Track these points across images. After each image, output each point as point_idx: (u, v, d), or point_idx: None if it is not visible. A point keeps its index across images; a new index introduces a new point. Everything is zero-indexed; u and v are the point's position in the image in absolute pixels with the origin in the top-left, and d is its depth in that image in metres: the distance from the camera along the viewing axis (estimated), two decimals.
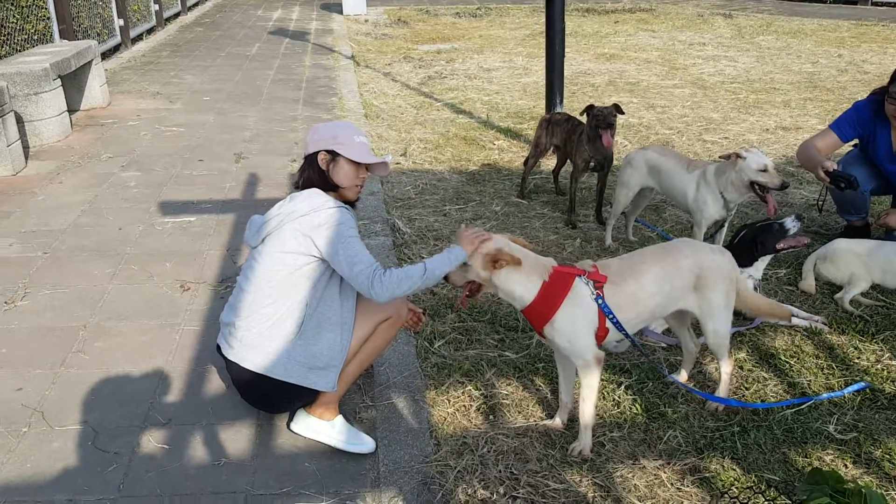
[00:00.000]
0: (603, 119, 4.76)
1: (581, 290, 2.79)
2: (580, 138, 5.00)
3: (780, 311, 3.31)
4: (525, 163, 5.67)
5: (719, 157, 4.25)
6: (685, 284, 2.95)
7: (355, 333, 2.92)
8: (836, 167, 4.30)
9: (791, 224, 3.75)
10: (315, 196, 2.85)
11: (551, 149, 5.48)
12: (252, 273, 2.84)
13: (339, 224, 2.79)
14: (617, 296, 2.82)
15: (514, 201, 5.59)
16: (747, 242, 3.80)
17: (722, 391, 3.20)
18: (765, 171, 3.99)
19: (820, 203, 5.07)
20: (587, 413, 2.90)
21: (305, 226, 2.78)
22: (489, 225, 5.12)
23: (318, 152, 2.91)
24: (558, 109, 6.51)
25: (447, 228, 5.06)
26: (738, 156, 4.05)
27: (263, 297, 2.79)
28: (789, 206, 5.44)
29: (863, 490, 1.51)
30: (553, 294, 2.77)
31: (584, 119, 5.01)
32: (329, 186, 2.92)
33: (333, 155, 2.90)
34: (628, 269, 2.90)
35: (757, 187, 4.02)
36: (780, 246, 3.77)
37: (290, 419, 3.01)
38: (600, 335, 2.84)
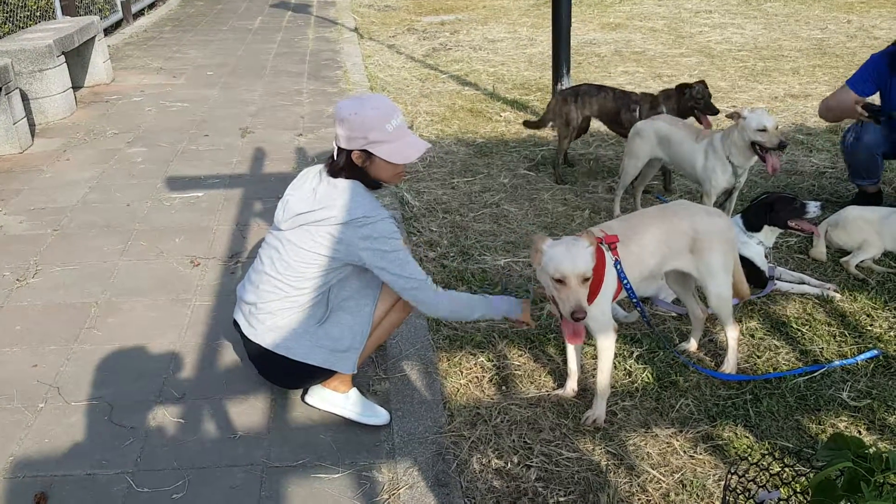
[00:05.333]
0: (702, 100, 4.81)
1: (608, 259, 2.80)
2: (647, 111, 4.94)
3: (742, 289, 3.24)
4: (560, 144, 5.43)
5: (726, 115, 4.22)
6: (681, 245, 2.97)
7: (381, 302, 2.90)
8: (867, 102, 4.29)
9: (813, 208, 3.74)
10: (354, 201, 2.68)
11: (582, 122, 5.36)
12: (279, 260, 2.75)
13: (385, 238, 2.68)
14: (627, 256, 2.84)
15: (521, 173, 5.56)
16: (762, 206, 3.78)
17: (730, 358, 3.20)
18: (763, 130, 3.94)
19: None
20: (603, 382, 2.91)
21: (347, 236, 2.67)
22: (498, 197, 5.11)
23: (350, 151, 2.69)
24: (565, 82, 6.45)
25: (455, 201, 5.05)
26: (739, 115, 4.03)
27: (290, 287, 2.74)
28: (799, 174, 5.40)
29: (884, 454, 1.51)
30: (597, 268, 2.71)
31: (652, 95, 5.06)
32: (368, 181, 2.77)
33: (368, 154, 2.70)
34: (630, 229, 2.92)
35: (757, 147, 4.00)
36: (791, 223, 3.76)
37: (305, 392, 3.02)
38: (614, 297, 2.88)
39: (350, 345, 2.82)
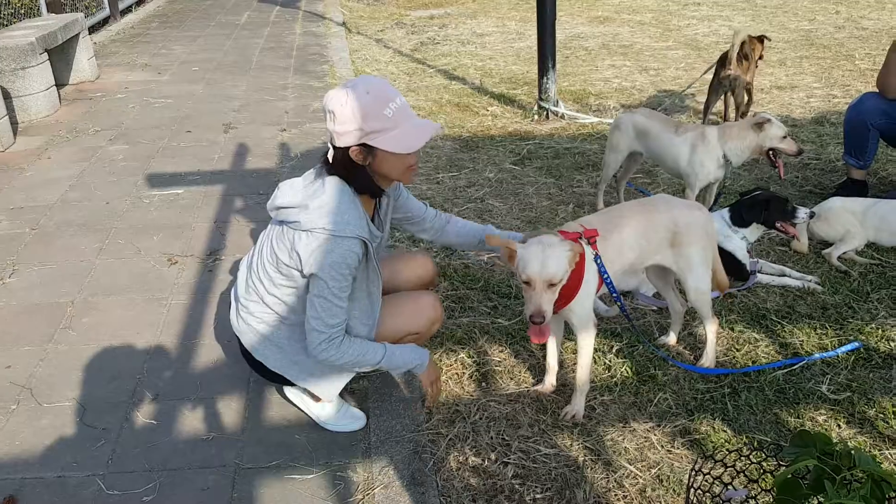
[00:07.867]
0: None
1: (588, 254, 2.76)
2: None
3: (721, 280, 3.20)
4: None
5: (754, 122, 4.08)
6: (660, 239, 2.94)
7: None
8: None
9: (802, 214, 3.75)
10: (326, 208, 2.42)
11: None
12: (260, 258, 2.63)
13: (336, 265, 2.41)
14: (607, 250, 2.81)
15: (507, 168, 5.53)
16: (757, 205, 3.74)
17: (709, 352, 3.18)
18: (785, 137, 4.04)
19: None
20: (583, 377, 2.88)
21: (304, 243, 2.43)
22: (483, 191, 5.07)
23: (347, 148, 2.38)
24: (550, 77, 6.41)
25: (440, 196, 5.01)
26: (768, 121, 4.04)
27: (264, 291, 2.62)
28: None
29: (851, 452, 1.48)
30: (577, 263, 2.67)
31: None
32: (370, 185, 2.49)
33: (368, 148, 2.39)
34: (609, 222, 2.88)
35: (771, 153, 4.05)
36: (777, 224, 3.76)
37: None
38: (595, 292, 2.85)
39: (336, 377, 2.73)
